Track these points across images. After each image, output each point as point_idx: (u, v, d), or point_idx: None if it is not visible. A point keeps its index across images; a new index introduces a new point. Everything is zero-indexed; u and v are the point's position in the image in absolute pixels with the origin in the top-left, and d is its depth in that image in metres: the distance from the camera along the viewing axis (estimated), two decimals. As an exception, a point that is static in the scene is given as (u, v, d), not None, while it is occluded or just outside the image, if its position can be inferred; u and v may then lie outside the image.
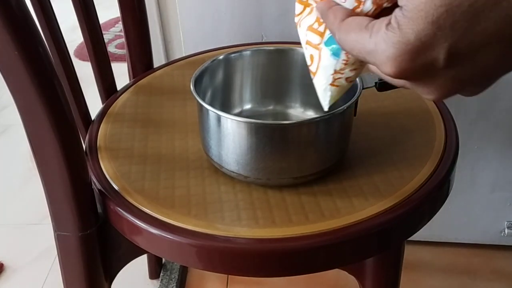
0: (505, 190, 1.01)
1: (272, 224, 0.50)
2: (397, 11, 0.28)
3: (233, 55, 0.62)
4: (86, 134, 0.65)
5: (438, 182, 0.54)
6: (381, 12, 0.33)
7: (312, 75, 0.40)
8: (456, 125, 0.63)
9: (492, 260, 1.08)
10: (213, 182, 0.55)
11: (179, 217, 0.51)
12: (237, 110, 0.65)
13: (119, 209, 0.53)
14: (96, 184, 0.56)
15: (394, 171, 0.56)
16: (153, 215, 0.51)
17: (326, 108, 0.41)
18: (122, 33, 0.79)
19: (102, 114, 0.68)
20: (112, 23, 2.34)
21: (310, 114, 0.64)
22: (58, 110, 0.49)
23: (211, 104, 0.51)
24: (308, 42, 0.39)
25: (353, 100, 0.51)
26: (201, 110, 0.53)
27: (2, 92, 0.51)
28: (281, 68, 0.63)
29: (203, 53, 0.82)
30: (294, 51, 0.62)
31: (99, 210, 0.57)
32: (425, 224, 0.54)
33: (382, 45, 0.29)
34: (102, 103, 0.73)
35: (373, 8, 0.33)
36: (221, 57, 0.61)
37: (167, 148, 0.61)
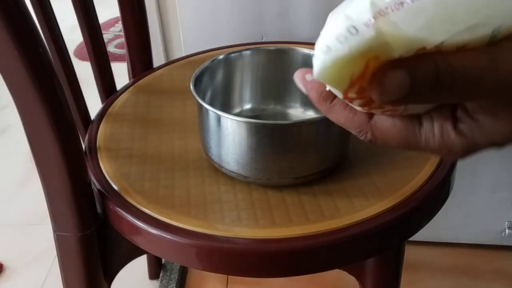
0: (505, 190, 1.01)
1: (272, 224, 0.50)
2: (467, 120, 0.28)
3: (233, 55, 0.62)
4: (86, 134, 0.65)
5: (439, 182, 0.54)
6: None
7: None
8: (457, 125, 0.62)
9: (492, 260, 1.08)
10: (213, 182, 0.55)
11: (179, 217, 0.51)
12: (237, 110, 0.65)
13: (118, 209, 0.53)
14: (95, 184, 0.56)
15: (394, 171, 0.56)
16: (153, 215, 0.51)
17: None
18: (122, 33, 0.78)
19: (101, 114, 0.68)
20: (111, 22, 2.34)
21: (310, 114, 0.64)
22: (58, 110, 0.49)
23: (211, 104, 0.51)
24: None
25: (353, 100, 0.51)
26: (201, 110, 0.53)
27: (2, 92, 0.51)
28: (281, 68, 0.63)
29: (203, 53, 0.82)
30: (294, 51, 0.62)
31: (99, 210, 0.57)
32: (425, 225, 0.54)
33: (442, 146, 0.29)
34: (102, 103, 0.73)
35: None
36: (221, 57, 0.61)
37: (167, 148, 0.61)
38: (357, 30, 0.24)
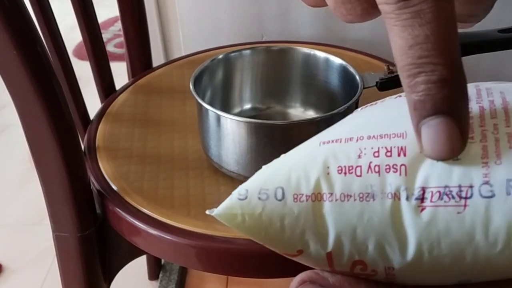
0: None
1: (272, 224, 0.49)
2: None
3: (232, 54, 0.62)
4: (85, 134, 0.64)
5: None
6: None
7: None
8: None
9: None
10: (212, 183, 0.55)
11: (178, 217, 0.50)
12: (237, 110, 0.65)
13: (118, 209, 0.53)
14: (94, 185, 0.56)
15: (395, 171, 0.55)
16: (152, 216, 0.51)
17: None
18: (121, 32, 0.78)
19: (100, 114, 0.68)
20: (111, 22, 2.34)
21: (310, 114, 0.64)
22: (57, 110, 0.49)
23: (210, 104, 0.51)
24: None
25: (353, 100, 0.51)
26: (201, 110, 0.53)
27: (1, 92, 0.51)
28: (281, 67, 0.63)
29: (203, 52, 0.82)
30: (295, 50, 0.62)
31: (98, 210, 0.57)
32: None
33: None
34: (101, 103, 0.72)
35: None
36: (220, 56, 0.61)
37: (166, 148, 0.61)
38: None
